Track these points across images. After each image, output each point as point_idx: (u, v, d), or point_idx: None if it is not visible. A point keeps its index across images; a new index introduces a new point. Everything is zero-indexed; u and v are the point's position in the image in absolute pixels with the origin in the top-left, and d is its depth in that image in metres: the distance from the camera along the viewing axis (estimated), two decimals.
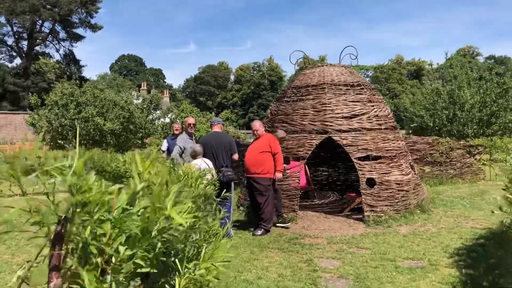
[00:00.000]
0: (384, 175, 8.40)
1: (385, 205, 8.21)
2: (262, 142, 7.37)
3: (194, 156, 6.69)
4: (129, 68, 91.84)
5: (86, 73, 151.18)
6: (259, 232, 7.24)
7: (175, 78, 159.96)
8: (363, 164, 8.36)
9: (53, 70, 46.16)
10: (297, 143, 8.64)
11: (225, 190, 7.08)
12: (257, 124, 7.52)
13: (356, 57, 9.67)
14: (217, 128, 7.37)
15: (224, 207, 6.63)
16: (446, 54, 24.84)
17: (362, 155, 8.44)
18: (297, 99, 9.15)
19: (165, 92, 65.89)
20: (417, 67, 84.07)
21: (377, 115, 8.88)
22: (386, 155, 8.58)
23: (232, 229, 7.47)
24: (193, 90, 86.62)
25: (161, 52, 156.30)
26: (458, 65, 26.12)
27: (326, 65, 9.46)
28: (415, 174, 9.17)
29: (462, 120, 20.96)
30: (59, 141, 23.52)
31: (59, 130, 22.37)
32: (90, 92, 23.15)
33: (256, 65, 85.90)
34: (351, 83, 9.18)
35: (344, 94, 8.94)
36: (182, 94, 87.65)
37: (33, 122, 22.45)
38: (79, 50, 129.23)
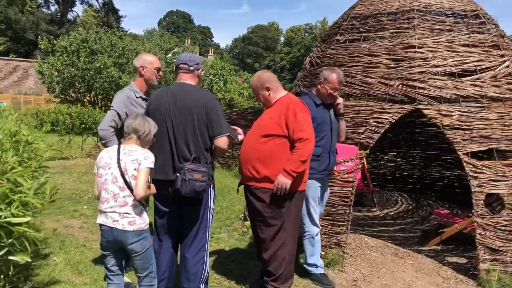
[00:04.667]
0: None
1: None
2: (272, 115, 3.47)
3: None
4: (177, 25, 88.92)
5: (132, 27, 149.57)
6: None
7: (224, 39, 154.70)
8: (481, 166, 4.31)
9: (101, 23, 43.39)
10: (355, 119, 4.68)
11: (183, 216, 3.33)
12: (254, 80, 3.59)
13: None
14: (186, 78, 3.34)
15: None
16: None
17: (480, 148, 4.40)
18: (359, 37, 5.11)
19: (210, 51, 62.64)
20: None
21: (510, 73, 4.73)
22: None
23: (216, 274, 3.78)
24: (240, 51, 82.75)
25: (212, 11, 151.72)
26: None
27: None
28: None
29: None
30: (73, 94, 20.55)
31: (71, 81, 19.27)
32: (107, 39, 19.78)
33: (308, 27, 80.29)
34: (463, 12, 5.02)
35: (450, 30, 4.82)
36: (229, 54, 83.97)
37: (41, 70, 19.45)
38: (130, 5, 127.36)
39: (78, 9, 47.68)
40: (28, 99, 31.22)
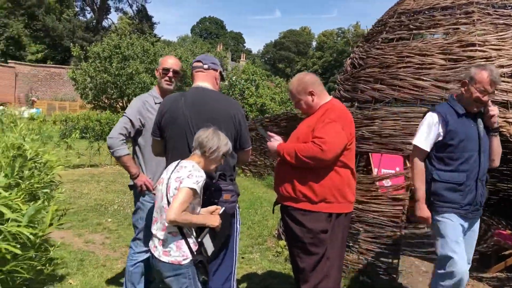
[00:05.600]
0: None
1: None
2: (310, 123, 2.93)
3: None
4: (210, 31, 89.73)
5: (166, 33, 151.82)
6: None
7: (255, 44, 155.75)
8: None
9: (135, 30, 44.01)
10: (406, 127, 4.11)
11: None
12: (294, 84, 3.02)
13: None
14: (202, 79, 2.80)
15: None
16: None
17: None
18: (408, 35, 4.55)
19: (242, 56, 62.83)
20: None
21: None
22: None
23: None
24: (272, 56, 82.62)
25: (245, 17, 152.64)
26: None
27: None
28: None
29: None
30: (105, 100, 20.57)
31: (103, 87, 19.27)
32: (139, 45, 19.73)
33: (340, 31, 79.29)
34: None
35: None
36: (260, 59, 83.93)
37: (74, 76, 19.56)
38: (164, 12, 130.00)
39: (114, 16, 48.81)
40: (63, 105, 31.78)
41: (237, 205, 2.84)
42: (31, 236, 1.94)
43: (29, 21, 37.24)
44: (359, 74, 4.69)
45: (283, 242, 4.64)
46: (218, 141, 2.41)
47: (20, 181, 2.11)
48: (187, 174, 2.31)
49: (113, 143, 3.06)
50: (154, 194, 3.17)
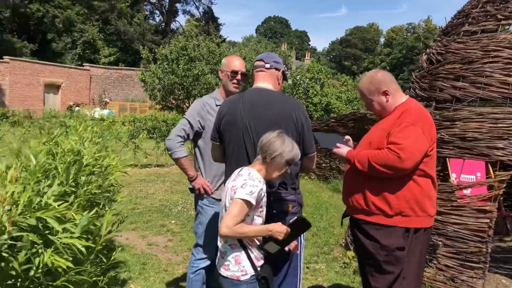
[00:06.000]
0: None
1: None
2: (385, 125, 2.61)
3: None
4: (274, 31, 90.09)
5: (232, 35, 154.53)
6: None
7: (320, 42, 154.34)
8: None
9: (201, 32, 45.01)
10: (493, 130, 3.65)
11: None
12: (365, 82, 2.71)
13: None
14: (263, 78, 2.57)
15: None
16: None
17: None
18: (495, 27, 4.07)
19: (306, 54, 62.27)
20: None
21: None
22: None
23: None
24: (338, 53, 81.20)
25: (309, 16, 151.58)
26: None
27: None
28: None
29: None
30: (173, 101, 21.08)
31: (171, 88, 19.73)
32: (205, 46, 20.00)
33: (410, 27, 76.26)
34: None
35: None
36: (325, 58, 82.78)
37: (143, 78, 20.21)
38: (230, 14, 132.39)
39: (181, 19, 50.28)
40: (133, 106, 33.11)
41: (302, 216, 2.61)
42: (82, 249, 1.82)
43: (103, 26, 39.17)
44: (437, 71, 4.27)
45: (351, 253, 4.33)
46: (281, 145, 2.16)
47: (73, 189, 2.02)
48: (241, 184, 2.11)
49: (171, 144, 3.00)
50: (214, 198, 3.06)
